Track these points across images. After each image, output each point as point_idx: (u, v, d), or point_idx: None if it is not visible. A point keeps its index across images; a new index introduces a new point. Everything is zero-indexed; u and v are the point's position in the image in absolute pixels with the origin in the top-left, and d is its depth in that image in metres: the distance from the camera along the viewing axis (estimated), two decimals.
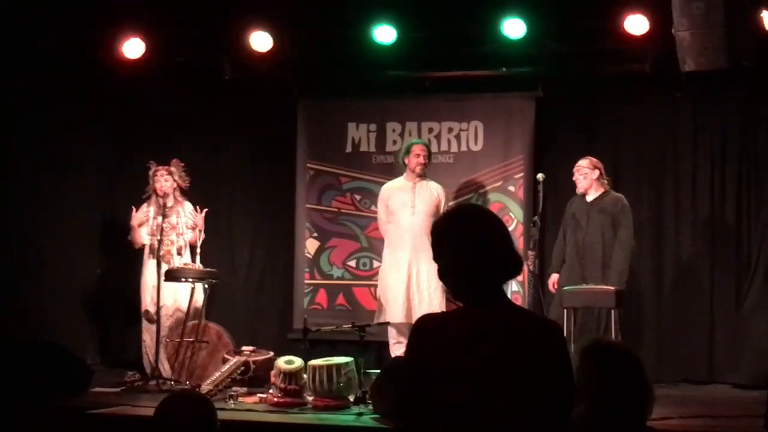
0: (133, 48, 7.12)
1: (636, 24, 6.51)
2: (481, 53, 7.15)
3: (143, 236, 6.86)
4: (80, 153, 7.71)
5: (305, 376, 5.61)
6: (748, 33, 5.66)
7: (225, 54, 7.32)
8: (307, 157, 7.74)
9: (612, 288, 6.04)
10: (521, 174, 7.34)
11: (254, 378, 6.07)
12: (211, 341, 6.71)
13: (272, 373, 5.72)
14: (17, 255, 7.12)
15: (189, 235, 6.89)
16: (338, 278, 7.63)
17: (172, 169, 6.86)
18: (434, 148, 7.26)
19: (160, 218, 6.67)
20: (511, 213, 7.32)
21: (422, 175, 6.70)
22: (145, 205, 6.92)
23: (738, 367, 6.78)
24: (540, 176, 6.43)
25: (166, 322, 6.64)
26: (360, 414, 5.27)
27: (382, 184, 7.11)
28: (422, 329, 2.28)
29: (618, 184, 6.68)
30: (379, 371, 5.49)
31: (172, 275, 6.45)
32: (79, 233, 7.72)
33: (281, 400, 5.53)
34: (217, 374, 6.01)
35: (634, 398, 2.60)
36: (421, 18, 6.96)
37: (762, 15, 5.96)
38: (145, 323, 6.80)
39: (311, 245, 7.69)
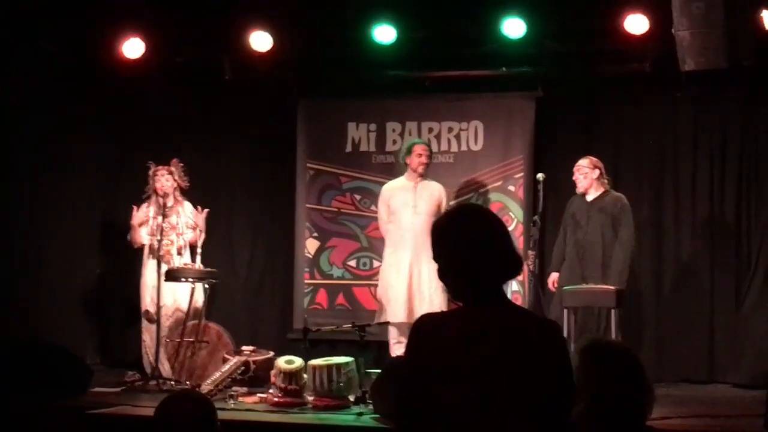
0: (133, 48, 7.12)
1: (636, 24, 6.51)
2: (481, 53, 7.15)
3: (143, 236, 6.86)
4: (80, 153, 7.71)
5: (305, 375, 5.61)
6: (748, 33, 5.66)
7: (225, 54, 7.32)
8: (307, 157, 7.74)
9: (612, 288, 6.04)
10: (521, 174, 7.34)
11: (254, 378, 6.07)
12: (211, 341, 6.71)
13: (272, 372, 5.72)
14: (17, 255, 7.11)
15: (189, 235, 6.89)
16: (338, 278, 7.63)
17: (172, 168, 6.86)
18: (434, 148, 7.25)
19: (160, 218, 6.67)
20: (511, 213, 7.32)
21: (423, 175, 6.70)
22: (145, 204, 6.92)
23: (738, 367, 6.78)
24: (540, 176, 6.43)
25: (166, 322, 6.64)
26: (360, 414, 5.27)
27: (382, 183, 7.11)
28: (422, 329, 2.28)
29: (618, 183, 6.68)
30: (379, 371, 5.49)
31: (172, 275, 6.45)
32: (79, 233, 7.72)
33: (281, 399, 5.53)
34: (218, 374, 6.01)
35: (634, 398, 2.60)
36: (421, 18, 6.96)
37: (762, 15, 5.97)
38: (145, 323, 6.80)
39: (311, 245, 7.69)
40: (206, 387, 5.85)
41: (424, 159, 6.66)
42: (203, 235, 6.78)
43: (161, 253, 6.56)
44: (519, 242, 7.11)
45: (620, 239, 6.26)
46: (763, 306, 6.81)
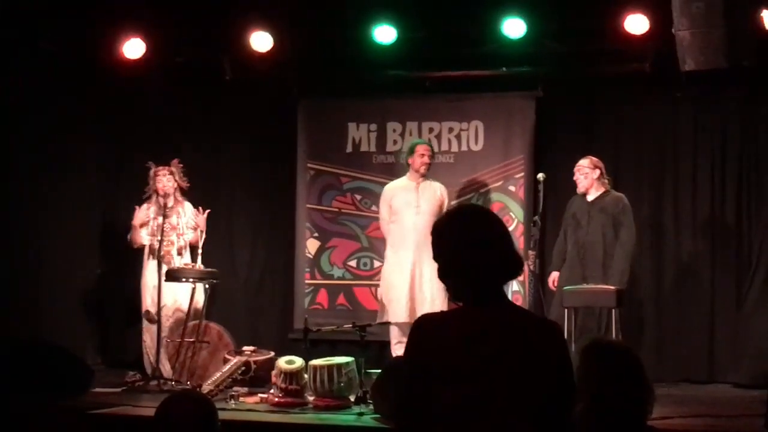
0: (133, 48, 7.12)
1: (636, 24, 6.51)
2: (481, 53, 7.15)
3: (143, 236, 6.86)
4: (80, 153, 7.71)
5: (306, 376, 5.61)
6: (748, 33, 5.66)
7: (225, 54, 7.32)
8: (308, 157, 7.74)
9: (612, 288, 6.04)
10: (521, 174, 7.34)
11: (255, 378, 6.07)
12: (212, 341, 6.71)
13: (273, 373, 5.72)
14: (17, 255, 7.11)
15: (189, 236, 6.89)
16: (339, 278, 7.63)
17: (173, 169, 6.86)
18: (435, 148, 7.23)
19: (160, 218, 6.67)
20: (512, 213, 7.32)
21: (425, 175, 6.70)
22: (145, 205, 6.91)
23: (738, 367, 6.78)
24: (540, 176, 6.43)
25: (166, 323, 6.64)
26: (361, 414, 5.27)
27: (383, 184, 7.11)
28: (422, 329, 2.29)
29: (618, 183, 6.68)
30: (379, 371, 5.49)
31: (173, 275, 6.45)
32: (79, 233, 7.72)
33: (282, 400, 5.53)
34: (218, 374, 6.01)
35: (634, 398, 2.60)
36: (421, 18, 6.96)
37: (762, 15, 5.96)
38: (145, 324, 6.80)
39: (312, 245, 7.69)
40: (207, 387, 5.85)
41: (426, 159, 6.66)
42: (204, 236, 6.78)
43: (162, 253, 6.55)
44: (519, 242, 7.11)
45: (621, 239, 6.26)
46: (764, 306, 6.81)
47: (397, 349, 6.40)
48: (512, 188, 7.38)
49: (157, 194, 6.82)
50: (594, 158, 6.45)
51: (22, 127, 7.14)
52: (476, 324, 2.24)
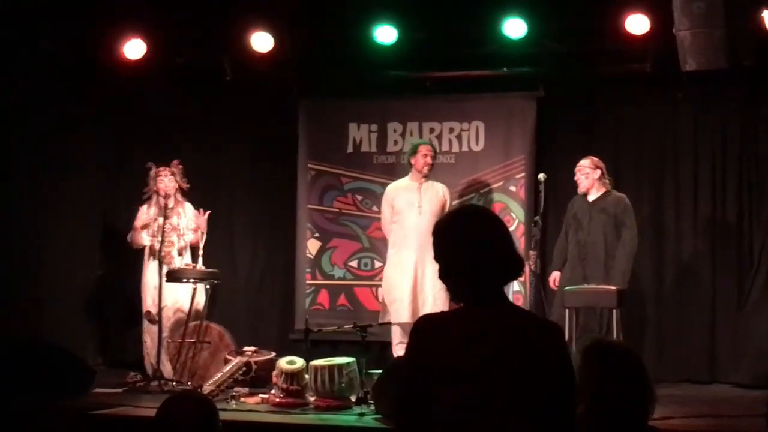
0: (133, 49, 7.12)
1: (637, 24, 6.51)
2: (481, 53, 7.15)
3: (143, 237, 6.86)
4: (80, 153, 7.70)
5: (307, 376, 5.61)
6: (748, 33, 5.65)
7: (225, 54, 7.32)
8: (308, 158, 7.74)
9: (613, 288, 6.03)
10: (522, 174, 7.34)
11: (256, 378, 6.06)
12: (213, 342, 6.70)
13: (274, 373, 5.72)
14: (17, 255, 7.10)
15: (190, 236, 6.88)
16: (340, 278, 7.63)
17: (174, 170, 6.85)
18: (435, 149, 7.24)
19: (161, 219, 6.66)
20: (513, 213, 7.32)
21: (427, 176, 6.70)
22: (145, 206, 6.90)
23: (740, 367, 6.78)
24: (541, 176, 6.42)
25: (167, 323, 6.63)
26: (362, 414, 5.27)
27: (384, 184, 7.11)
28: (422, 329, 2.29)
29: (618, 183, 6.68)
30: (380, 371, 5.49)
31: (174, 276, 6.44)
32: (79, 233, 7.71)
33: (283, 400, 5.53)
34: (219, 375, 6.01)
35: (635, 398, 2.60)
36: (422, 18, 6.95)
37: (762, 15, 5.96)
38: (146, 324, 6.80)
39: (313, 245, 7.69)
40: (208, 388, 5.85)
41: (429, 160, 6.66)
42: (204, 237, 6.77)
43: (162, 254, 6.54)
44: (520, 242, 7.11)
45: (623, 240, 6.26)
46: (765, 306, 6.81)
47: (399, 350, 6.40)
48: (513, 188, 7.37)
49: (158, 195, 6.82)
50: (595, 158, 6.45)
51: (22, 127, 7.14)
52: (476, 324, 2.23)
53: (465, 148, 7.51)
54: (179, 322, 6.69)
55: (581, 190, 6.44)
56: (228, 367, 6.07)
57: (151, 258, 6.79)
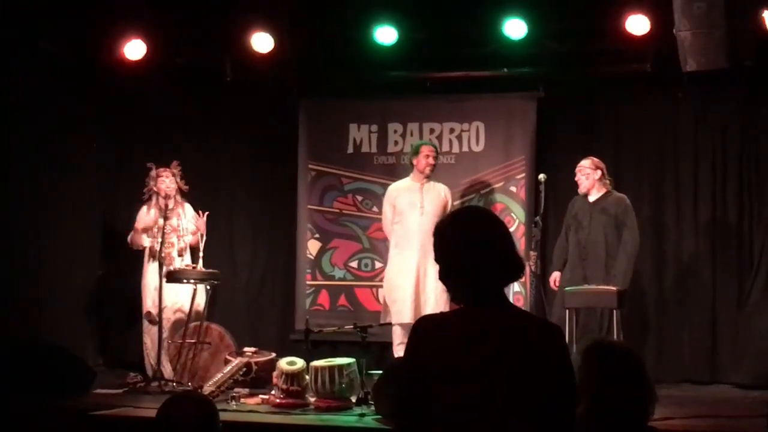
0: (134, 49, 7.11)
1: (637, 24, 6.51)
2: (482, 54, 7.15)
3: (143, 238, 6.85)
4: (80, 153, 7.70)
5: (307, 377, 5.60)
6: (749, 33, 5.64)
7: (226, 54, 7.31)
8: (309, 158, 7.74)
9: (614, 288, 6.03)
10: (523, 174, 7.34)
11: (256, 379, 6.06)
12: (213, 342, 6.70)
13: (274, 374, 5.72)
14: (17, 255, 7.10)
15: (190, 237, 6.88)
16: (340, 279, 7.63)
17: (175, 171, 6.85)
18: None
19: (161, 220, 6.65)
20: (513, 213, 7.32)
21: (429, 177, 6.69)
22: (145, 207, 6.89)
23: (740, 367, 6.78)
24: (541, 177, 6.41)
25: (167, 324, 6.62)
26: (362, 415, 5.26)
27: (384, 184, 7.11)
28: (422, 329, 2.29)
29: (618, 183, 6.68)
30: (381, 372, 5.48)
31: (174, 276, 6.44)
32: (79, 233, 7.71)
33: (283, 401, 5.53)
34: (219, 375, 6.01)
35: (635, 398, 2.59)
36: (422, 18, 6.95)
37: (763, 15, 5.97)
38: (146, 325, 6.79)
39: (313, 246, 7.68)
40: (208, 388, 5.85)
41: (431, 160, 6.65)
42: (204, 239, 6.77)
43: (162, 255, 6.54)
44: (521, 243, 7.11)
45: (624, 241, 6.25)
46: (765, 306, 6.81)
47: (400, 350, 6.39)
48: (513, 189, 7.37)
49: (158, 195, 6.81)
50: (595, 159, 6.45)
51: (22, 127, 7.14)
52: (476, 324, 2.24)
53: (465, 148, 7.51)
54: (179, 322, 6.69)
55: (582, 190, 6.44)
56: (228, 368, 6.06)
57: (151, 259, 6.78)
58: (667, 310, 7.13)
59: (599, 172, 6.40)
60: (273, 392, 5.65)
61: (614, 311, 6.04)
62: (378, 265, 7.44)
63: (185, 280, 6.50)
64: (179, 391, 5.77)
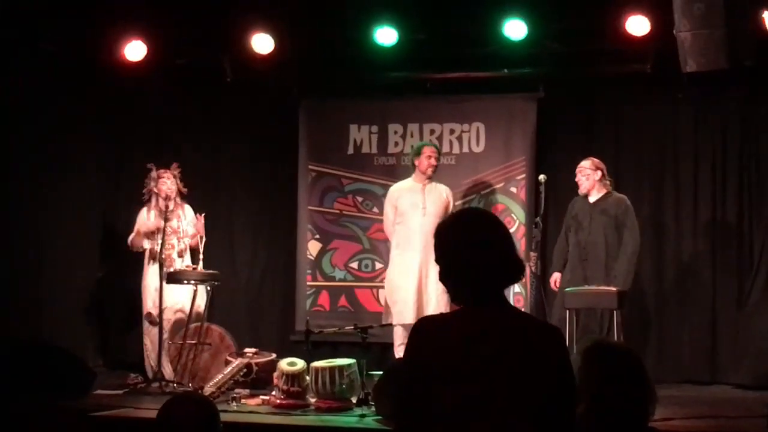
0: (134, 50, 7.11)
1: (637, 25, 6.51)
2: (482, 54, 7.15)
3: (144, 241, 6.84)
4: (80, 153, 7.70)
5: (308, 377, 5.60)
6: (749, 33, 5.65)
7: (226, 55, 7.31)
8: (309, 159, 7.74)
9: (614, 289, 6.03)
10: (523, 175, 7.34)
11: (257, 380, 6.06)
12: (214, 343, 6.70)
13: (275, 374, 5.72)
14: (17, 255, 7.10)
15: (189, 239, 6.87)
16: (340, 280, 7.63)
17: (175, 172, 6.84)
18: None
19: (161, 222, 6.64)
20: (513, 214, 7.32)
21: (431, 177, 6.69)
22: (145, 209, 6.87)
23: (740, 368, 6.78)
24: (542, 177, 6.41)
25: (168, 325, 6.62)
26: (363, 416, 5.26)
27: (384, 185, 7.12)
28: (422, 330, 2.30)
29: (618, 184, 6.68)
30: (381, 373, 5.48)
31: (175, 277, 6.43)
32: (79, 233, 7.70)
33: (284, 401, 5.53)
34: (220, 376, 6.00)
35: (635, 398, 2.59)
36: (422, 19, 6.95)
37: (763, 15, 5.97)
38: (146, 326, 6.78)
39: (313, 247, 7.68)
40: (209, 389, 5.84)
41: (433, 161, 6.65)
42: (204, 240, 6.76)
43: (163, 256, 6.53)
44: (521, 244, 7.11)
45: (625, 242, 6.25)
46: (766, 306, 6.81)
47: (400, 351, 6.39)
48: (514, 190, 7.37)
49: (158, 196, 6.79)
50: (596, 160, 6.44)
51: (22, 127, 7.14)
52: (476, 324, 2.25)
53: (465, 149, 7.51)
54: (180, 323, 6.69)
55: (582, 191, 6.43)
56: (229, 369, 6.06)
57: (152, 261, 6.77)
58: (667, 311, 7.13)
59: (599, 173, 6.40)
60: (273, 393, 5.65)
61: (614, 312, 6.04)
62: (378, 265, 7.44)
63: (185, 281, 6.49)
64: (180, 392, 5.77)
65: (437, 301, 6.37)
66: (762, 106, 6.99)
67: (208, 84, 7.62)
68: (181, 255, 6.79)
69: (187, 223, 6.85)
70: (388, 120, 7.65)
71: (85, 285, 7.75)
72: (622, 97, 7.30)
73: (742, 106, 7.08)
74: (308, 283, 7.66)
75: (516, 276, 2.33)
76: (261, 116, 7.87)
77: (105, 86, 7.49)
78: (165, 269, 6.46)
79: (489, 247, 2.29)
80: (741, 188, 7.05)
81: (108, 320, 7.85)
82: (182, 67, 7.41)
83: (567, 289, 6.19)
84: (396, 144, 7.62)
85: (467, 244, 2.29)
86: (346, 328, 6.19)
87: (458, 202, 7.09)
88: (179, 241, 6.80)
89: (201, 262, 6.59)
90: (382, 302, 6.95)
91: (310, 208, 7.70)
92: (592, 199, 6.42)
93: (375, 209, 7.44)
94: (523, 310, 6.58)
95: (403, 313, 6.45)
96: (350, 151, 7.69)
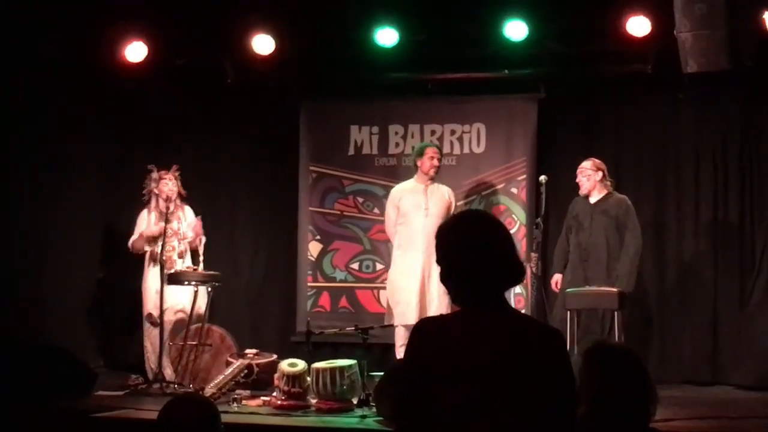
0: (135, 51, 7.10)
1: (638, 25, 6.51)
2: (482, 55, 7.15)
3: (145, 244, 6.83)
4: (80, 153, 7.70)
5: (308, 378, 5.60)
6: (749, 34, 5.65)
7: (226, 56, 7.31)
8: (310, 160, 7.74)
9: (615, 290, 6.02)
10: (524, 176, 7.34)
11: (258, 381, 6.06)
12: (215, 344, 6.69)
13: (275, 375, 5.71)
14: (17, 255, 7.10)
15: (189, 240, 6.86)
16: (341, 281, 7.62)
17: (175, 174, 6.83)
18: None
19: (162, 223, 6.64)
20: (514, 215, 7.32)
21: (433, 178, 6.69)
22: (145, 211, 6.86)
23: (742, 368, 6.77)
24: (542, 178, 6.41)
25: (168, 326, 6.61)
26: (363, 416, 5.26)
27: (385, 186, 7.12)
28: (423, 330, 2.30)
29: (619, 184, 6.68)
30: (382, 373, 5.48)
31: (176, 279, 6.42)
32: (79, 233, 7.70)
33: (285, 402, 5.52)
34: (221, 377, 6.00)
35: (636, 399, 2.59)
36: (423, 20, 6.95)
37: (764, 16, 5.96)
38: (147, 327, 6.76)
39: (314, 248, 7.68)
40: (209, 390, 5.83)
41: (435, 162, 6.63)
42: (203, 241, 6.75)
43: (163, 257, 6.52)
44: (522, 244, 7.10)
45: (626, 243, 6.24)
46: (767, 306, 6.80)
47: (402, 352, 6.37)
48: (514, 190, 7.37)
49: (158, 198, 6.78)
50: (597, 160, 6.44)
51: (22, 127, 7.14)
52: (477, 325, 2.25)
53: (466, 150, 7.51)
54: (180, 324, 6.68)
55: (583, 191, 6.43)
56: (229, 370, 6.06)
57: (152, 263, 6.75)
58: (669, 311, 7.13)
59: (600, 174, 6.39)
60: (274, 394, 5.64)
61: (615, 312, 6.03)
62: (379, 266, 7.44)
63: (186, 282, 6.48)
64: (180, 393, 5.76)
65: (439, 302, 6.36)
66: (763, 106, 6.99)
67: (208, 84, 7.61)
68: (181, 256, 6.78)
69: (187, 225, 6.84)
70: (388, 121, 7.65)
71: (86, 285, 7.75)
72: (623, 97, 7.30)
73: (743, 106, 7.08)
74: (309, 284, 7.66)
75: (516, 278, 2.33)
76: (261, 117, 7.87)
77: (105, 86, 7.49)
78: (166, 271, 6.45)
79: (489, 249, 2.29)
80: (742, 188, 7.05)
81: (109, 321, 7.85)
82: (182, 67, 7.41)
83: (568, 290, 6.19)
84: (397, 145, 7.61)
85: (468, 246, 2.29)
86: (347, 329, 6.18)
87: (460, 203, 7.09)
88: (180, 243, 6.79)
89: (201, 263, 6.58)
90: (383, 303, 6.94)
91: (310, 209, 7.70)
92: (592, 199, 6.41)
93: (376, 210, 7.44)
94: (523, 310, 6.61)
95: (405, 314, 6.44)
96: (351, 151, 7.69)
